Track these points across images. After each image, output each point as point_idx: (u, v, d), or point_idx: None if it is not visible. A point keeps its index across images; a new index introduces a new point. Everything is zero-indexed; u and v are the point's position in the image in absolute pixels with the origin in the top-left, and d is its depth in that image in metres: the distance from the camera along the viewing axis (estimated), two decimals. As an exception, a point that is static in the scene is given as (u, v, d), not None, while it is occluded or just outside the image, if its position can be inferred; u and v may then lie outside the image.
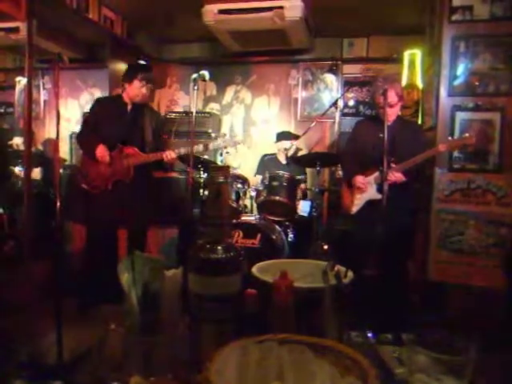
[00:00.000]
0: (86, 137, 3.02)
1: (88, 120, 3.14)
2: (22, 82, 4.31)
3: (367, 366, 0.56)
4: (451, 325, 2.31)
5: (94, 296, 2.70)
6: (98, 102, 3.17)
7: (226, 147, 3.43)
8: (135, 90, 2.97)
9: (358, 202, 2.89)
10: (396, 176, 2.66)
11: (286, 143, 4.07)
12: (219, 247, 0.77)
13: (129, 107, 3.05)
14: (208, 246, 0.77)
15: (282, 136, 4.16)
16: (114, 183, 2.96)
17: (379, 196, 2.66)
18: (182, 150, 2.99)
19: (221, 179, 0.78)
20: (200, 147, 3.06)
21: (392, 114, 2.76)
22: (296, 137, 4.13)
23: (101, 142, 2.92)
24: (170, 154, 2.94)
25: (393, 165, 2.66)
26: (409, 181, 2.71)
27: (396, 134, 2.67)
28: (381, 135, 2.57)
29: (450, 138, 2.77)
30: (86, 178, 2.99)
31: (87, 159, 3.00)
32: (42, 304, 2.33)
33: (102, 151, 2.91)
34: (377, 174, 2.78)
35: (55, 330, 1.82)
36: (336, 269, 0.82)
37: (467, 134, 2.67)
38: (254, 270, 0.91)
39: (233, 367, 0.58)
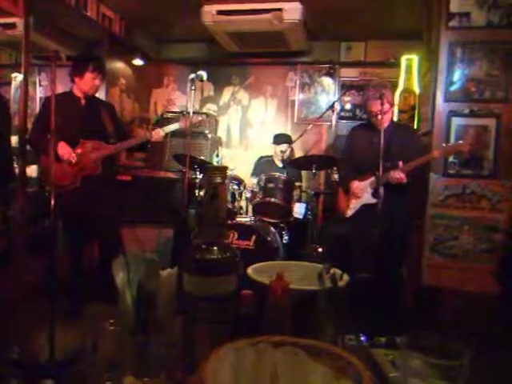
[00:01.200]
0: (42, 136, 2.80)
1: (41, 119, 2.96)
2: (18, 78, 4.28)
3: (362, 368, 0.56)
4: (445, 329, 2.32)
5: (76, 296, 2.66)
6: (49, 101, 2.91)
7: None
8: (88, 83, 2.92)
9: (353, 206, 2.95)
10: (400, 176, 2.67)
11: (283, 146, 4.08)
12: (215, 248, 0.76)
13: (82, 101, 3.00)
14: (204, 246, 0.77)
15: (281, 139, 4.16)
16: (83, 179, 2.90)
17: (374, 200, 2.74)
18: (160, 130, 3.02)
19: (218, 180, 0.78)
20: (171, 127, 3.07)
21: (385, 120, 2.77)
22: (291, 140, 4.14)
23: (58, 139, 2.76)
24: (157, 133, 2.96)
25: (400, 163, 2.67)
26: (406, 185, 2.73)
27: (391, 139, 2.70)
28: (375, 141, 2.62)
29: (444, 144, 2.79)
30: (48, 179, 2.79)
31: (46, 159, 2.82)
32: (34, 303, 2.31)
33: (65, 149, 2.82)
34: (372, 179, 2.82)
35: (47, 329, 1.81)
36: (331, 272, 0.82)
37: (461, 141, 2.70)
38: (250, 271, 0.91)
39: (227, 369, 0.58)
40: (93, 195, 2.89)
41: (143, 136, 2.99)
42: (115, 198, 3.06)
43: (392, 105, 2.85)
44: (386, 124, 2.78)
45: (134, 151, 3.31)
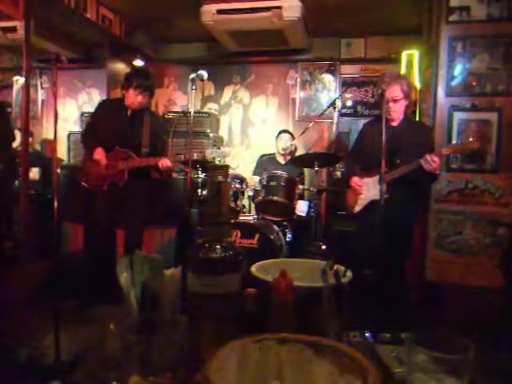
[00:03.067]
0: (89, 138, 3.09)
1: (91, 121, 3.22)
2: (19, 81, 4.30)
3: (367, 365, 0.56)
4: (449, 324, 2.32)
5: (93, 296, 2.71)
6: (102, 105, 3.23)
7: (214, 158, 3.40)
8: (130, 98, 2.99)
9: (361, 202, 2.88)
10: (435, 162, 2.46)
11: (283, 136, 4.09)
12: (218, 246, 0.77)
13: (129, 111, 3.07)
14: (207, 245, 0.77)
15: (283, 130, 4.20)
16: (110, 184, 3.00)
17: (385, 196, 2.60)
18: (178, 161, 3.05)
19: (220, 178, 0.78)
20: (195, 156, 3.05)
21: (397, 111, 2.71)
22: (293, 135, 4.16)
23: (100, 143, 2.98)
24: (165, 162, 2.95)
25: (444, 151, 2.51)
26: (432, 178, 2.65)
27: (401, 135, 2.66)
28: (386, 136, 2.53)
29: (454, 142, 2.75)
30: (86, 176, 3.05)
31: (88, 158, 3.05)
32: (40, 304, 2.32)
33: (99, 154, 2.96)
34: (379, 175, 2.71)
35: (53, 331, 1.81)
36: (335, 268, 0.82)
37: (471, 139, 2.63)
38: (254, 269, 0.91)
39: (232, 366, 0.58)
40: (116, 202, 3.00)
41: (148, 160, 3.00)
42: (140, 210, 3.12)
43: (406, 95, 2.70)
44: (398, 116, 2.74)
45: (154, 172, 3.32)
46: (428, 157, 2.45)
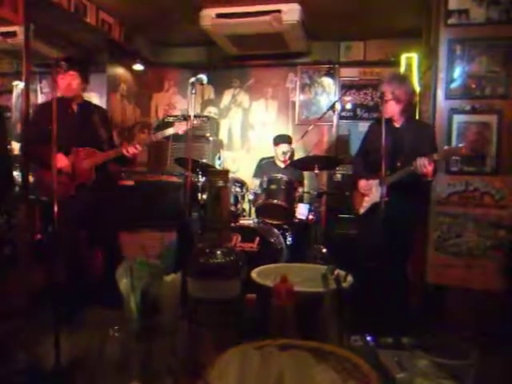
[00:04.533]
0: (38, 147, 2.74)
1: (32, 129, 2.93)
2: (19, 86, 4.30)
3: (369, 370, 0.55)
4: (451, 328, 2.31)
5: (75, 303, 2.63)
6: (41, 109, 3.02)
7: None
8: (61, 86, 2.83)
9: (365, 205, 2.90)
10: (426, 167, 2.48)
11: (284, 146, 4.07)
12: (219, 251, 0.76)
13: (74, 107, 2.96)
14: (207, 250, 0.77)
15: (281, 139, 4.16)
16: (77, 188, 2.87)
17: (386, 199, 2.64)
18: (141, 142, 2.98)
19: (220, 183, 0.77)
20: (159, 135, 3.02)
21: (389, 111, 2.75)
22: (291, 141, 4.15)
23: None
24: (131, 149, 2.87)
25: (435, 156, 2.52)
26: (426, 183, 2.68)
27: (404, 136, 2.67)
28: (388, 137, 2.54)
29: (445, 147, 2.74)
30: (45, 189, 2.85)
31: (41, 170, 2.86)
32: (39, 309, 2.32)
33: (62, 160, 2.76)
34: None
35: (53, 336, 1.81)
36: (336, 273, 0.82)
37: (461, 145, 2.63)
38: (254, 274, 0.90)
39: (233, 373, 0.58)
40: (89, 203, 2.88)
41: (114, 151, 2.90)
42: (113, 204, 3.04)
43: (396, 99, 2.72)
44: (388, 114, 2.76)
45: (120, 164, 3.23)
46: (419, 160, 2.46)
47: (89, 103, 3.09)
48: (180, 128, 3.01)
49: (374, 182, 2.81)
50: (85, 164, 2.87)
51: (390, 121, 2.77)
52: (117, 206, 3.10)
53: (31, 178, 3.12)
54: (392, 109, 2.76)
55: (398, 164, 2.64)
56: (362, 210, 2.91)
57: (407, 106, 2.80)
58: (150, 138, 2.99)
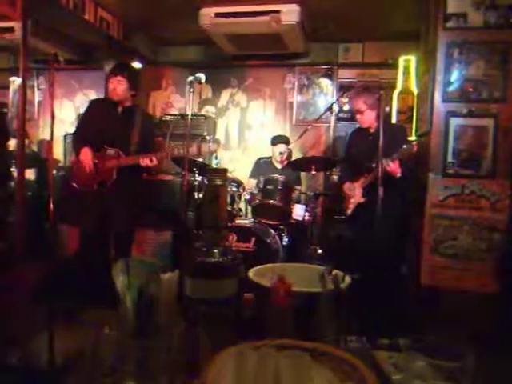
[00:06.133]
0: (78, 138, 3.11)
1: (81, 121, 3.22)
2: (16, 82, 4.28)
3: (366, 371, 0.55)
4: (446, 330, 2.32)
5: (87, 299, 2.67)
6: (92, 104, 3.24)
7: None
8: (110, 89, 3.01)
9: (351, 206, 3.17)
10: (392, 166, 2.81)
11: (281, 147, 4.08)
12: (216, 251, 0.76)
13: (119, 109, 3.07)
14: (204, 249, 0.77)
15: (279, 140, 4.16)
16: (99, 184, 2.99)
17: (363, 200, 3.07)
18: (158, 156, 3.00)
19: (218, 182, 0.77)
20: (193, 149, 3.04)
21: (365, 120, 3.10)
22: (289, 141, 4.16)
23: (90, 143, 2.97)
24: (146, 160, 2.94)
25: (394, 156, 2.82)
26: (399, 180, 2.90)
27: (378, 140, 2.73)
28: (363, 142, 3.01)
29: (404, 146, 2.87)
30: (76, 177, 3.05)
31: (77, 160, 3.05)
32: (33, 307, 2.30)
33: (85, 154, 2.96)
34: (362, 179, 3.11)
35: (47, 334, 1.80)
36: (333, 273, 0.82)
37: (405, 146, 2.83)
38: (251, 274, 0.90)
39: (230, 373, 0.58)
40: (105, 201, 2.99)
41: (133, 158, 2.98)
42: (129, 209, 3.10)
43: (370, 107, 3.03)
44: (366, 124, 3.13)
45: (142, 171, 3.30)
46: (384, 161, 2.74)
47: (135, 108, 3.15)
48: (196, 150, 3.06)
49: (357, 184, 3.14)
50: (108, 163, 2.99)
51: (366, 128, 3.14)
52: (133, 208, 3.14)
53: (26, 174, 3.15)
54: (369, 117, 3.09)
55: (373, 165, 2.88)
56: (349, 212, 3.19)
57: (379, 112, 2.97)
58: (167, 154, 3.06)
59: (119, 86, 2.99)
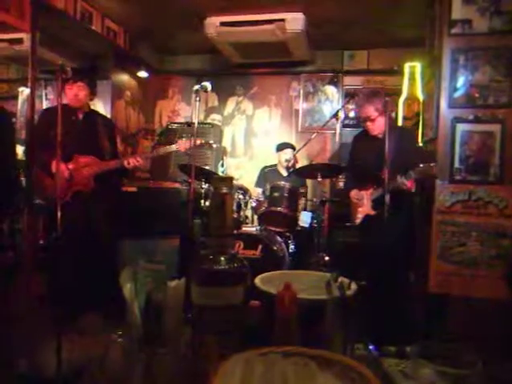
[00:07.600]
0: (37, 151, 2.89)
1: (36, 133, 2.99)
2: (24, 92, 4.34)
3: (373, 379, 0.55)
4: (454, 337, 2.29)
5: (92, 307, 2.63)
6: (45, 114, 3.06)
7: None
8: (68, 96, 2.89)
9: (359, 216, 3.04)
10: (405, 185, 2.70)
11: (287, 151, 4.09)
12: (222, 258, 0.76)
13: (80, 115, 2.99)
14: (211, 256, 0.77)
15: (284, 146, 4.18)
16: (74, 195, 2.88)
17: (373, 212, 2.91)
18: (142, 156, 3.01)
19: (224, 190, 0.78)
20: (170, 148, 3.07)
21: (376, 128, 2.92)
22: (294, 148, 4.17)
23: (52, 154, 2.69)
24: (131, 161, 2.90)
25: (413, 175, 2.68)
26: (413, 194, 2.83)
27: (384, 147, 2.69)
28: (371, 150, 2.80)
29: (421, 165, 2.71)
30: (42, 192, 2.90)
31: (41, 173, 2.90)
32: (41, 315, 2.31)
33: (56, 163, 2.71)
34: (371, 190, 2.96)
35: (54, 342, 1.80)
36: (340, 281, 0.82)
37: (432, 164, 2.67)
38: (257, 281, 0.90)
39: (237, 380, 0.58)
40: (83, 212, 2.87)
41: (116, 162, 2.93)
42: (108, 214, 3.00)
43: (381, 112, 2.87)
44: (376, 132, 2.93)
45: (118, 176, 3.23)
46: (399, 180, 2.65)
47: (94, 112, 3.12)
48: (182, 146, 3.06)
49: (365, 194, 2.99)
50: (84, 172, 2.89)
51: (369, 133, 2.97)
52: (114, 218, 3.05)
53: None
54: (380, 124, 2.90)
55: (382, 176, 2.68)
56: (357, 221, 3.06)
57: (389, 117, 2.87)
58: (152, 152, 3.04)
59: (81, 92, 2.92)
